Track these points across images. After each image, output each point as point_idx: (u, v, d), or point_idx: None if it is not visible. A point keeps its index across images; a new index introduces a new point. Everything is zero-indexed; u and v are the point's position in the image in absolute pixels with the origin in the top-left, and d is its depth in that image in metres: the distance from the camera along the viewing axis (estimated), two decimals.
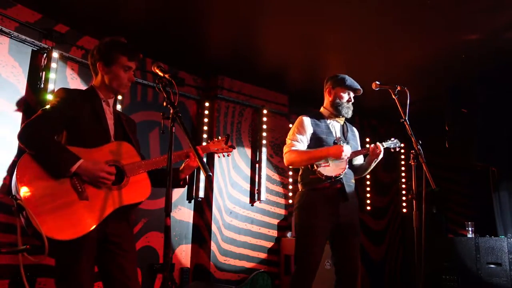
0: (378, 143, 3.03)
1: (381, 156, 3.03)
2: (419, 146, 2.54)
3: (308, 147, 2.98)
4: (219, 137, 2.54)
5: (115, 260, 2.04)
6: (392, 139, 3.21)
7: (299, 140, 2.98)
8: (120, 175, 2.05)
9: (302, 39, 4.15)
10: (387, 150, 3.13)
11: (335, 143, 2.99)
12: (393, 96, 2.73)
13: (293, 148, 2.96)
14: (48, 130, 1.96)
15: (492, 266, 4.53)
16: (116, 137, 2.16)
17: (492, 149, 4.94)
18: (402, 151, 6.45)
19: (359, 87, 3.08)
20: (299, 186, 3.06)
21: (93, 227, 1.89)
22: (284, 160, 3.03)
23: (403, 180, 6.41)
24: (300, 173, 3.07)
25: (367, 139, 6.15)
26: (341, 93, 3.04)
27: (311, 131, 3.00)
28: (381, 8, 3.50)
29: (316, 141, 2.98)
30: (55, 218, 1.83)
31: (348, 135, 3.12)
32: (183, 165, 2.33)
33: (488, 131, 4.82)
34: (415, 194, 2.52)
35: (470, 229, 4.93)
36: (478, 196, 5.81)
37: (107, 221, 1.99)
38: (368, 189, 6.14)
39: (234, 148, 2.58)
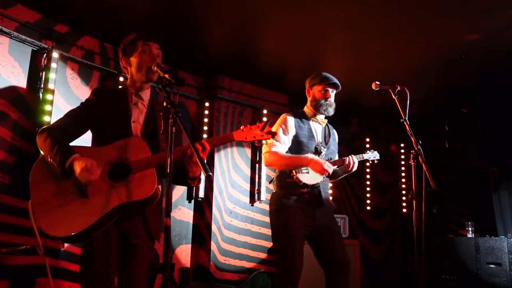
0: (352, 157, 3.00)
1: (355, 169, 3.01)
2: (419, 146, 2.53)
3: (289, 149, 2.95)
4: (248, 125, 2.14)
5: (127, 265, 2.06)
6: (372, 151, 3.23)
7: (281, 141, 2.93)
8: (126, 172, 2.03)
9: (302, 39, 4.14)
10: (363, 162, 3.15)
11: (316, 148, 2.98)
12: (393, 96, 2.72)
13: (273, 148, 2.90)
14: (60, 131, 2.03)
15: (492, 266, 4.53)
16: (143, 133, 2.15)
17: (492, 149, 4.95)
18: (402, 151, 6.46)
19: (335, 80, 3.04)
20: (274, 187, 3.02)
21: (91, 223, 1.89)
22: (263, 160, 2.97)
23: (403, 180, 6.41)
24: (276, 174, 3.03)
25: (367, 139, 6.15)
26: (318, 91, 3.03)
27: (294, 133, 2.96)
28: (381, 8, 3.50)
29: (297, 144, 2.95)
30: (52, 216, 1.89)
31: (330, 140, 3.11)
32: (186, 165, 2.09)
33: (488, 131, 4.82)
34: (415, 194, 2.52)
35: (470, 229, 4.93)
36: (478, 196, 5.82)
37: (127, 220, 2.02)
38: (368, 189, 6.14)
39: (275, 134, 2.17)
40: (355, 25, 3.82)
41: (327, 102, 3.01)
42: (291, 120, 2.98)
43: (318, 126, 3.08)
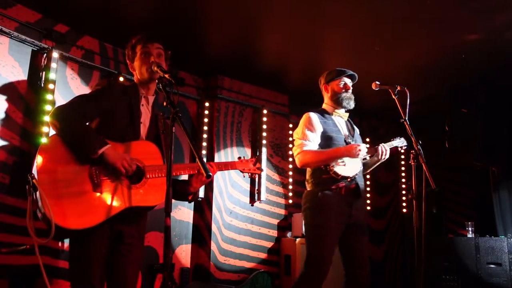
0: (384, 145, 2.96)
1: (387, 157, 2.98)
2: (419, 146, 2.54)
3: (319, 145, 2.90)
4: (244, 157, 2.50)
5: (120, 265, 2.05)
6: (399, 138, 3.16)
7: (310, 139, 2.88)
8: (139, 175, 2.04)
9: (302, 39, 4.14)
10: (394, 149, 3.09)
11: (345, 141, 2.95)
12: (393, 96, 2.73)
13: (305, 148, 2.85)
14: (79, 115, 1.99)
15: (492, 266, 4.53)
16: (147, 136, 2.16)
17: (492, 149, 4.94)
18: (402, 151, 6.45)
19: (351, 72, 3.06)
20: (309, 185, 2.95)
21: (99, 222, 1.88)
22: (297, 161, 2.91)
23: (403, 180, 6.41)
24: (310, 172, 2.96)
25: (367, 139, 6.15)
26: (336, 84, 3.03)
27: (321, 129, 2.92)
28: (381, 8, 3.50)
29: (326, 139, 2.91)
30: (64, 204, 1.83)
31: (354, 134, 3.09)
32: (192, 178, 2.24)
33: (488, 131, 4.82)
34: (415, 194, 2.52)
35: (470, 229, 4.92)
36: (478, 196, 5.81)
37: (124, 220, 2.00)
38: (368, 189, 6.14)
39: (262, 171, 2.56)
40: (355, 25, 3.82)
41: (348, 94, 3.01)
42: (315, 117, 2.94)
43: (340, 120, 3.06)
